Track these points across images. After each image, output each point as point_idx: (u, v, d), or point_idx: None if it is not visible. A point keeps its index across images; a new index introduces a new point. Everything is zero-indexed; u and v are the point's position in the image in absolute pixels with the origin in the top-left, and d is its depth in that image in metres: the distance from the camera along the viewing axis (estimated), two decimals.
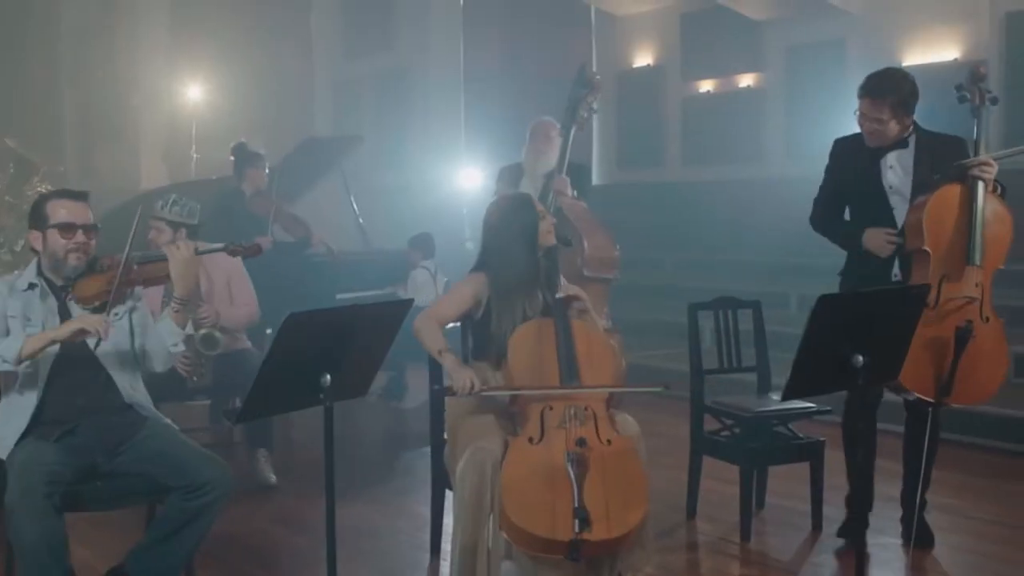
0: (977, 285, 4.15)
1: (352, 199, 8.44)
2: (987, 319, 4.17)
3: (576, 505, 3.50)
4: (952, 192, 4.19)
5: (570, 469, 3.59)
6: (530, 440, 3.77)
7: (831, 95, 9.99)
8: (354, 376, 3.29)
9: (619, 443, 3.82)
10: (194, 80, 13.59)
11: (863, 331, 3.23)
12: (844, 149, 4.59)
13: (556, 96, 13.35)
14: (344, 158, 8.52)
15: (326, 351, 3.12)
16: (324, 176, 8.43)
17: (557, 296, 4.09)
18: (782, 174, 10.76)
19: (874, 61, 10.68)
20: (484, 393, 3.87)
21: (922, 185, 4.29)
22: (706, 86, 12.34)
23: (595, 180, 13.12)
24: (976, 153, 4.22)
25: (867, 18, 10.67)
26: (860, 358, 3.23)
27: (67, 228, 3.70)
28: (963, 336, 4.02)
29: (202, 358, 5.25)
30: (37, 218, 3.75)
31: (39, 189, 9.00)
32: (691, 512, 4.96)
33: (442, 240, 8.40)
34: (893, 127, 4.36)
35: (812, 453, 4.72)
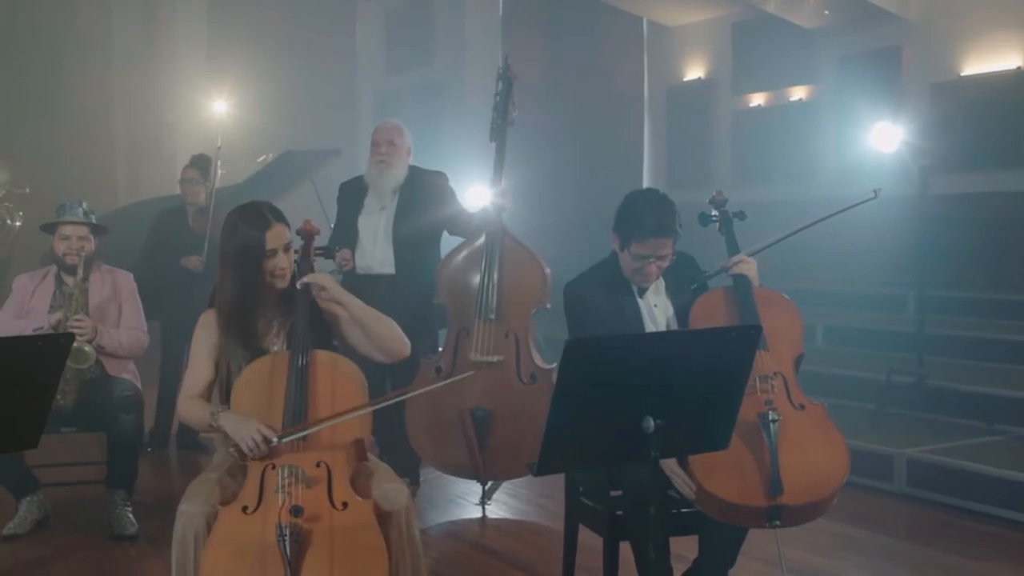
0: (775, 373, 3.57)
1: (326, 213, 7.87)
2: (801, 406, 3.55)
3: None
4: (713, 294, 3.78)
5: (282, 548, 2.83)
6: (244, 509, 3.00)
7: (885, 107, 9.03)
8: None
9: (357, 509, 3.01)
10: (221, 95, 13.29)
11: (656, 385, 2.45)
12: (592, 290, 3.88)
13: (604, 112, 12.77)
14: (318, 171, 7.94)
15: None
16: (295, 188, 7.87)
17: (299, 284, 3.37)
18: (831, 194, 9.79)
19: (932, 70, 9.76)
20: (285, 439, 3.13)
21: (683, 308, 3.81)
22: (757, 99, 11.47)
23: None
24: (732, 254, 3.85)
25: (924, 25, 9.67)
26: (652, 421, 2.44)
27: None
28: (765, 421, 3.36)
29: (68, 372, 4.73)
30: None
31: None
32: None
33: None
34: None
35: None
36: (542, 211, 11.47)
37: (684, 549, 3.77)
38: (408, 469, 5.59)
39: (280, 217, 3.42)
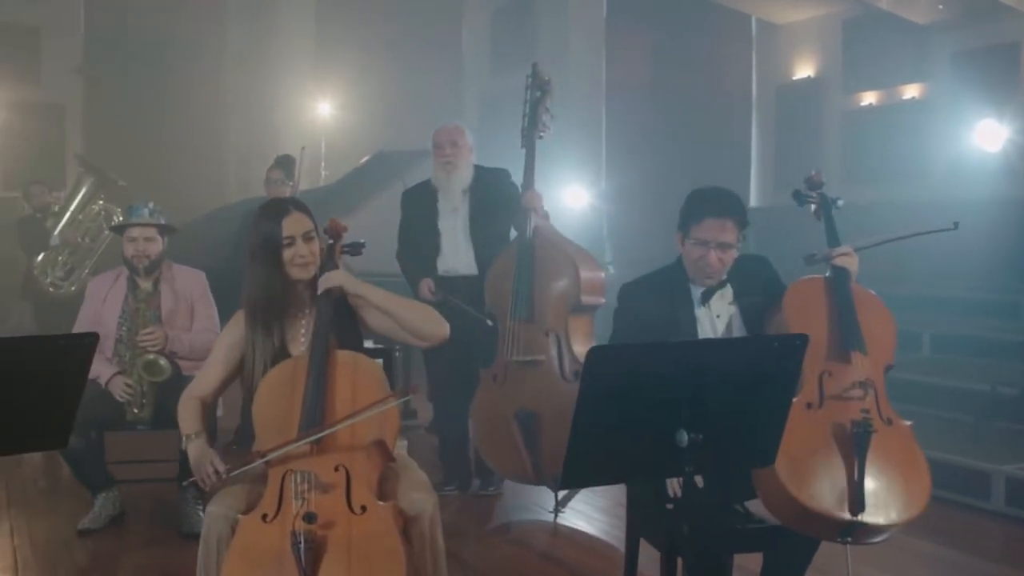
0: (868, 379, 3.29)
1: None
2: (889, 421, 3.27)
3: None
4: (811, 281, 3.49)
5: (297, 557, 2.75)
6: (264, 517, 2.94)
7: (1002, 105, 8.65)
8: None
9: (375, 512, 2.91)
10: (325, 97, 13.45)
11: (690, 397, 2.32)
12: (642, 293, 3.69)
13: (710, 112, 12.53)
14: (409, 171, 7.91)
15: None
16: (386, 189, 7.87)
17: (319, 292, 3.29)
18: (944, 196, 9.40)
19: None
20: (234, 474, 3.09)
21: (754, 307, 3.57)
22: (868, 98, 11.10)
23: (751, 202, 12.09)
24: (832, 244, 3.55)
25: None
26: (685, 435, 2.29)
27: None
28: (863, 431, 3.09)
29: (144, 385, 4.78)
30: None
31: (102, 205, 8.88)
32: None
33: None
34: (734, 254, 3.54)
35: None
36: (643, 213, 11.30)
37: (752, 563, 3.59)
38: (460, 475, 5.64)
39: (301, 207, 3.38)
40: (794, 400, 3.10)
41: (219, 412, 5.03)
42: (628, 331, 3.62)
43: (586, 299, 4.98)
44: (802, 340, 2.46)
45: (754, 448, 2.50)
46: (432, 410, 6.28)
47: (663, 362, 2.32)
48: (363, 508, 2.92)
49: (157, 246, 4.98)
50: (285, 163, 6.96)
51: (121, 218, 12.47)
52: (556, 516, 5.24)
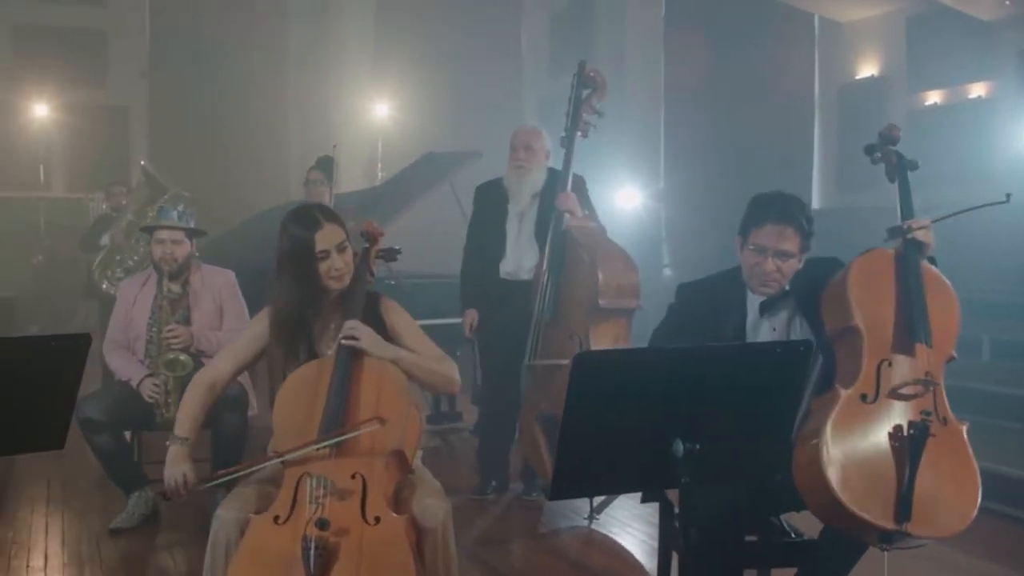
0: (928, 374, 3.02)
1: (464, 215, 7.78)
2: (945, 420, 3.01)
3: None
4: (882, 256, 3.15)
5: (306, 562, 2.70)
6: (276, 519, 2.88)
7: None
8: None
9: (388, 525, 2.84)
10: (382, 98, 13.48)
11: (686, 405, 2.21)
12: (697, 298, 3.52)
13: (771, 113, 12.33)
14: (457, 172, 7.86)
15: None
16: (434, 190, 7.82)
17: (341, 339, 3.20)
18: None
19: None
20: (210, 484, 3.10)
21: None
22: (933, 97, 10.83)
23: (814, 204, 11.86)
24: (906, 216, 3.20)
25: None
26: (682, 445, 2.20)
27: None
28: (920, 434, 2.86)
29: (169, 384, 4.79)
30: None
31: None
32: None
33: (641, 266, 7.52)
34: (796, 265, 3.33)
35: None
36: (701, 215, 11.16)
37: None
38: (498, 476, 5.65)
39: (332, 217, 3.32)
40: (849, 389, 2.96)
41: (252, 411, 5.05)
42: (673, 329, 3.48)
43: (605, 302, 4.86)
44: (806, 346, 2.34)
45: (757, 460, 2.39)
46: (477, 413, 6.24)
47: (656, 369, 2.22)
48: (377, 519, 2.86)
49: (185, 249, 4.99)
50: (325, 164, 6.96)
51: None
52: (591, 523, 5.16)
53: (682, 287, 3.54)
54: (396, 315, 3.42)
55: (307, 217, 3.29)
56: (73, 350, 2.53)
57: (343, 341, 3.17)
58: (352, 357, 3.15)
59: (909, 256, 3.15)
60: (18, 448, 2.69)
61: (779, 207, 3.29)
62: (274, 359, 3.31)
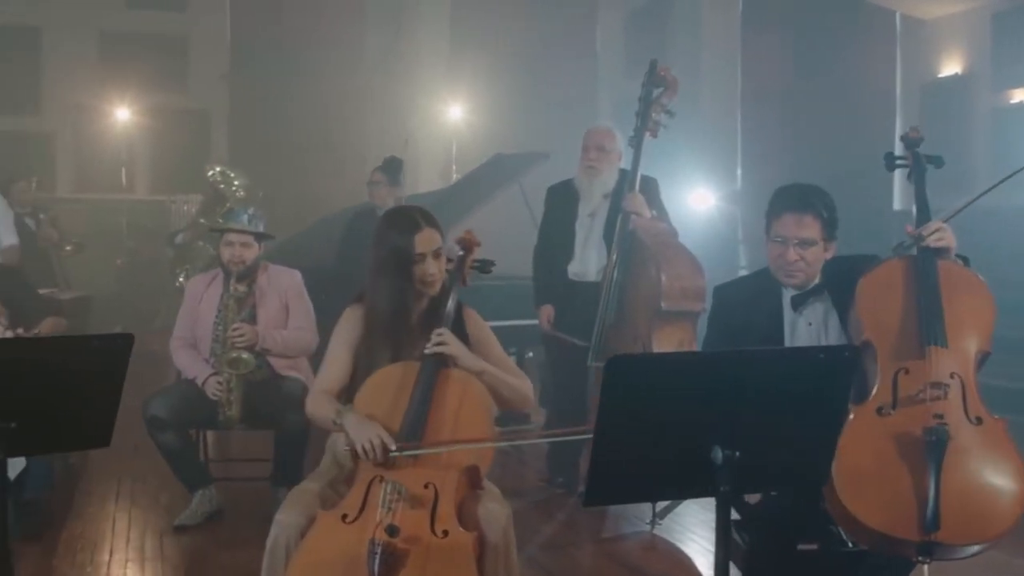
0: (953, 375, 2.94)
1: (533, 217, 7.75)
2: (978, 419, 2.92)
3: None
4: (889, 267, 3.15)
5: (370, 566, 2.69)
6: (344, 517, 2.88)
7: None
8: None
9: (456, 539, 2.81)
10: (457, 100, 13.51)
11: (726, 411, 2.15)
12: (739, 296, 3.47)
13: (851, 112, 12.09)
14: (525, 174, 7.83)
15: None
16: (502, 192, 7.81)
17: (426, 350, 3.17)
18: None
19: None
20: (406, 453, 3.00)
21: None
22: (1019, 95, 10.52)
23: (895, 205, 11.61)
24: (922, 220, 3.20)
25: None
26: (720, 452, 2.15)
27: None
28: (936, 440, 2.80)
29: (232, 382, 4.83)
30: None
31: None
32: None
33: (717, 267, 7.47)
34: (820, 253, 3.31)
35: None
36: None
37: None
38: (566, 474, 5.64)
39: (431, 222, 3.32)
40: (862, 405, 2.93)
41: None
42: (715, 336, 3.46)
43: (668, 305, 4.80)
44: (852, 352, 2.26)
45: (800, 468, 2.31)
46: (545, 415, 6.21)
47: (692, 373, 2.16)
48: (445, 532, 2.85)
49: (253, 252, 5.00)
50: (389, 166, 6.95)
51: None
52: (653, 527, 5.09)
53: (718, 288, 3.53)
54: (478, 326, 3.43)
55: (407, 219, 3.30)
56: (116, 350, 2.56)
57: (431, 349, 3.16)
58: (438, 367, 3.14)
59: (921, 262, 3.13)
60: (65, 445, 2.73)
61: (796, 196, 3.30)
62: (359, 359, 3.31)
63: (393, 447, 2.98)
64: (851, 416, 2.90)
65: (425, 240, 3.25)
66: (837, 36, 12.22)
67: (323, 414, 3.22)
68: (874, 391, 2.98)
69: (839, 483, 2.79)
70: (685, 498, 2.88)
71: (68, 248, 9.52)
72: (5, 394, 2.42)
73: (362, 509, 2.90)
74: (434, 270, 3.27)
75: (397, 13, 14.51)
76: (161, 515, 5.18)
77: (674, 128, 5.31)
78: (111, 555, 4.64)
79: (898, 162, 3.52)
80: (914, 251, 3.21)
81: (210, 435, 5.50)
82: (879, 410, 2.94)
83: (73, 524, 5.05)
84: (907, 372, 2.99)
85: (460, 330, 3.34)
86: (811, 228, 3.25)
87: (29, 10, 14.14)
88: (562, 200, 5.57)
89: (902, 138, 3.53)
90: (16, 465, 3.52)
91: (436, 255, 3.29)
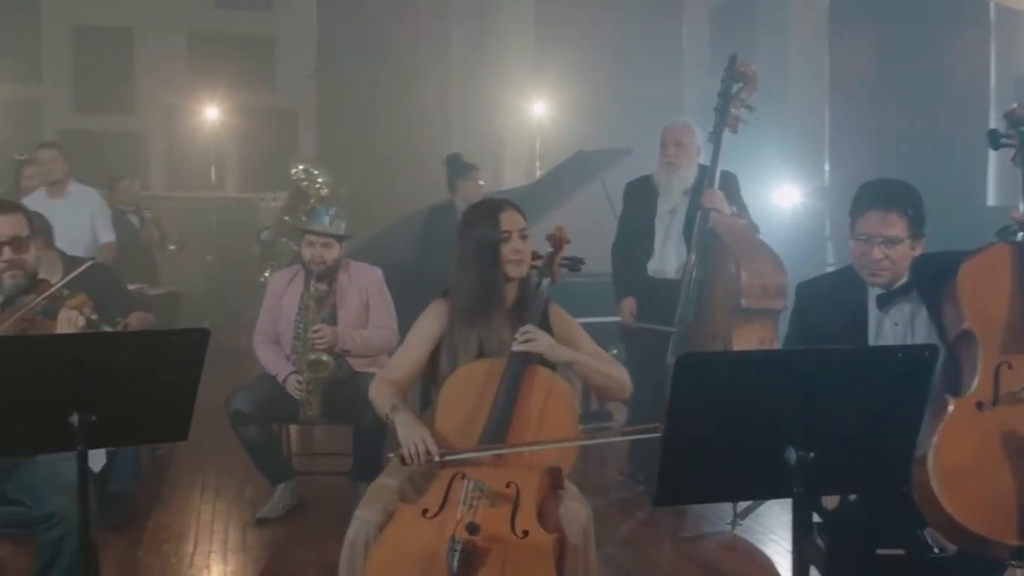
0: None
1: (615, 213, 7.71)
2: None
3: None
4: (996, 252, 2.98)
5: (450, 562, 2.69)
6: (424, 512, 2.88)
7: None
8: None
9: (536, 540, 2.79)
10: (541, 97, 13.49)
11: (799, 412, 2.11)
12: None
13: (942, 108, 11.80)
14: (607, 170, 7.79)
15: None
16: (584, 188, 7.78)
17: (514, 347, 3.16)
18: None
19: None
20: (447, 459, 3.01)
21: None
22: None
23: (990, 201, 11.33)
24: None
25: None
26: (794, 453, 2.10)
27: None
28: None
29: (311, 383, 4.87)
30: None
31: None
32: None
33: (802, 263, 7.38)
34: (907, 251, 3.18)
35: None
36: None
37: None
38: (647, 471, 5.48)
39: (513, 205, 3.37)
40: (961, 398, 2.83)
41: None
42: (796, 334, 3.40)
43: (748, 303, 4.72)
44: (931, 351, 2.19)
45: (877, 471, 2.25)
46: (627, 412, 6.17)
47: (765, 372, 2.12)
48: (525, 532, 2.85)
49: (334, 252, 4.98)
50: (449, 161, 7.05)
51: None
52: (733, 528, 5.02)
53: (801, 286, 3.46)
54: (564, 321, 3.43)
55: (489, 203, 3.42)
56: (193, 345, 2.60)
57: (518, 346, 3.16)
58: (524, 365, 3.15)
59: None
60: (144, 438, 2.78)
61: (880, 192, 3.20)
62: (444, 353, 3.33)
63: (437, 456, 2.99)
64: (950, 408, 2.81)
65: (509, 219, 3.29)
66: (928, 28, 11.93)
67: (380, 403, 3.27)
68: (974, 385, 2.87)
69: (935, 479, 2.71)
70: (758, 499, 2.81)
71: (171, 248, 9.69)
72: (86, 387, 2.47)
73: (443, 505, 2.92)
74: (520, 247, 3.29)
75: (482, 11, 14.55)
76: (244, 508, 5.27)
77: (759, 123, 5.24)
78: (195, 546, 4.73)
79: (1003, 140, 3.33)
80: (1019, 237, 3.10)
81: (293, 429, 5.57)
82: (978, 405, 2.83)
83: (159, 515, 5.16)
84: (1010, 367, 2.86)
85: (545, 328, 3.33)
86: (896, 226, 3.14)
87: (122, 12, 14.48)
88: (641, 196, 5.54)
89: (1006, 115, 3.35)
90: (98, 460, 3.59)
91: (522, 235, 3.31)
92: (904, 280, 3.28)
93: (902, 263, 3.23)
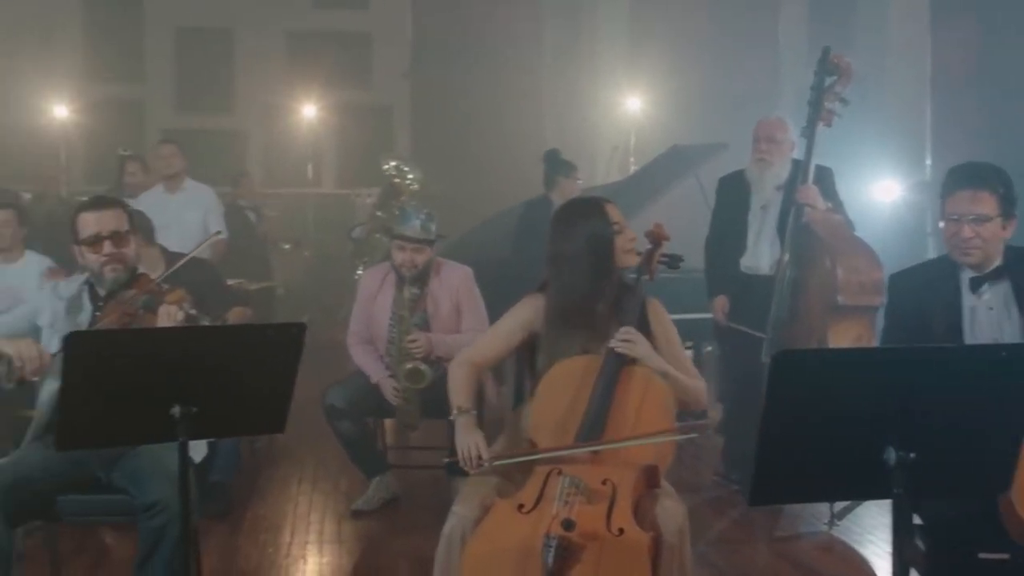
0: None
1: (710, 208, 7.64)
2: None
3: None
4: None
5: (545, 558, 2.68)
6: (520, 507, 2.89)
7: None
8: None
9: (632, 538, 2.77)
10: (635, 92, 13.40)
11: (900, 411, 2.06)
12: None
13: None
14: (703, 165, 7.72)
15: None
16: (679, 183, 7.72)
17: (612, 345, 3.15)
18: None
19: None
20: (496, 463, 3.08)
21: None
22: None
23: None
24: None
25: None
26: (894, 453, 2.06)
27: (94, 241, 3.54)
28: None
29: (409, 393, 4.89)
30: (71, 233, 3.61)
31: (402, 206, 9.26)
32: None
33: (903, 259, 7.23)
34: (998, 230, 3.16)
35: None
36: None
37: None
38: (741, 471, 5.47)
39: (610, 201, 3.41)
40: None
41: (490, 400, 5.09)
42: (892, 326, 3.36)
43: (844, 299, 4.64)
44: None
45: (979, 473, 2.19)
46: (722, 411, 6.11)
47: (864, 370, 2.07)
48: (620, 530, 2.84)
49: (425, 255, 4.92)
50: (547, 158, 7.06)
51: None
52: (830, 528, 4.94)
53: (894, 277, 3.45)
54: (662, 321, 3.42)
55: (590, 198, 3.47)
56: (290, 339, 2.64)
57: (620, 348, 3.16)
58: (621, 363, 3.15)
59: None
60: (242, 430, 2.83)
61: (969, 172, 3.25)
62: (542, 348, 3.34)
63: (485, 461, 3.07)
64: None
65: (614, 212, 3.33)
66: None
67: (453, 393, 3.31)
68: None
69: (1016, 492, 2.65)
70: (856, 499, 2.76)
71: (286, 246, 9.79)
72: (187, 380, 2.53)
73: (538, 501, 2.92)
74: (632, 235, 3.32)
75: (576, 8, 14.53)
76: (340, 500, 5.34)
77: (858, 117, 5.15)
78: (292, 536, 4.82)
79: None
80: None
81: (388, 423, 5.63)
82: None
83: (257, 506, 5.27)
84: None
85: (644, 323, 3.33)
86: (986, 203, 3.15)
87: (222, 12, 14.78)
88: (734, 191, 5.49)
89: None
90: (199, 451, 3.68)
91: (625, 226, 3.35)
92: (998, 263, 3.25)
93: (993, 242, 3.21)
